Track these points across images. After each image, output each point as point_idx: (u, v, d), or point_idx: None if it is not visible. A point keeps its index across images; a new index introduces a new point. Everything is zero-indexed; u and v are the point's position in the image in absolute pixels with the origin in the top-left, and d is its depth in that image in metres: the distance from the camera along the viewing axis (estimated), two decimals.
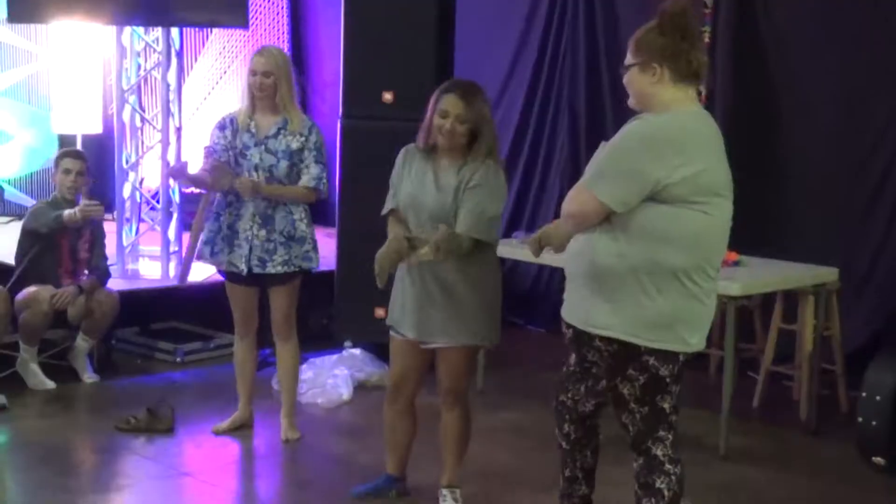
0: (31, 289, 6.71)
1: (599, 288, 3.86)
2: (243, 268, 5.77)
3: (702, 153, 3.82)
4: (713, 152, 3.88)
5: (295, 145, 5.71)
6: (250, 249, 5.76)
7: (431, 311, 4.80)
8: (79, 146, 9.22)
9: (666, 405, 3.98)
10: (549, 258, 4.70)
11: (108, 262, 7.28)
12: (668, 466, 4.02)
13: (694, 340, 3.93)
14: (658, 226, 3.77)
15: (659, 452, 4.01)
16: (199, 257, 5.95)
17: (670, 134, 3.80)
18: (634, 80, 3.92)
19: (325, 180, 5.76)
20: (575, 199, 3.86)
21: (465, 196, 4.69)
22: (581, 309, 3.94)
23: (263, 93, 5.69)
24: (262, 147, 5.71)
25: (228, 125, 5.80)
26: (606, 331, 3.86)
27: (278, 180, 5.72)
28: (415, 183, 4.82)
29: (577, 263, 3.95)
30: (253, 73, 5.70)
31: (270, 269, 5.77)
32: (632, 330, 3.84)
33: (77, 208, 6.72)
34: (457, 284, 4.75)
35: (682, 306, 3.85)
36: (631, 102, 3.99)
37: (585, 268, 3.89)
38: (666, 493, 4.02)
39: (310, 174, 5.72)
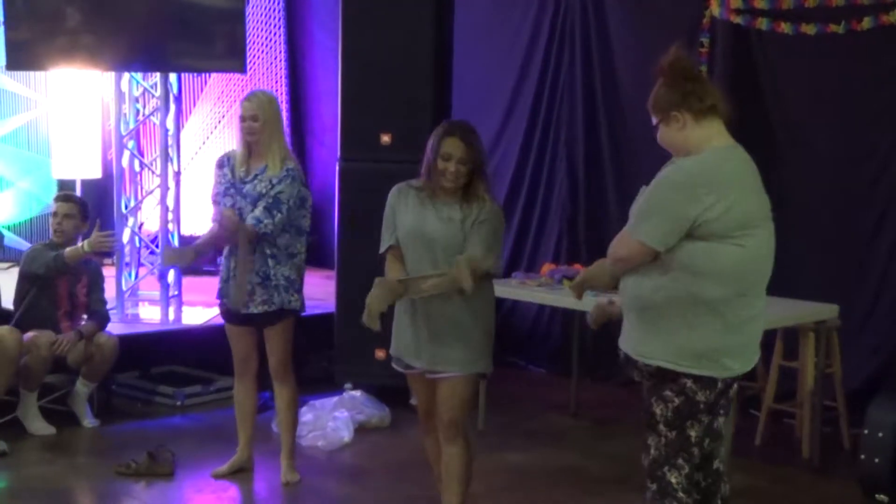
0: (31, 334, 6.71)
1: (643, 319, 4.03)
2: (230, 307, 5.82)
3: (732, 189, 3.98)
4: (744, 185, 4.06)
5: (261, 189, 5.71)
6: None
7: (439, 341, 4.86)
8: (78, 191, 9.25)
9: (693, 433, 4.03)
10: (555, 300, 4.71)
11: (108, 306, 7.27)
12: (681, 495, 4.05)
13: (736, 366, 4.06)
14: (695, 261, 3.93)
15: (673, 480, 4.05)
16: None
17: (700, 176, 3.97)
18: (665, 135, 4.11)
19: (265, 224, 5.64)
20: (623, 245, 4.04)
21: (473, 230, 4.80)
22: (630, 338, 4.11)
23: (253, 136, 5.72)
24: (240, 191, 5.74)
25: (226, 163, 5.85)
26: (649, 359, 4.02)
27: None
28: (417, 217, 4.87)
29: (625, 297, 4.12)
30: (242, 118, 5.75)
31: (253, 310, 5.78)
32: (672, 358, 3.98)
33: (87, 241, 6.71)
34: (462, 314, 4.82)
35: (720, 338, 3.99)
36: (674, 156, 4.14)
37: (630, 301, 4.07)
38: None
39: (253, 213, 5.67)
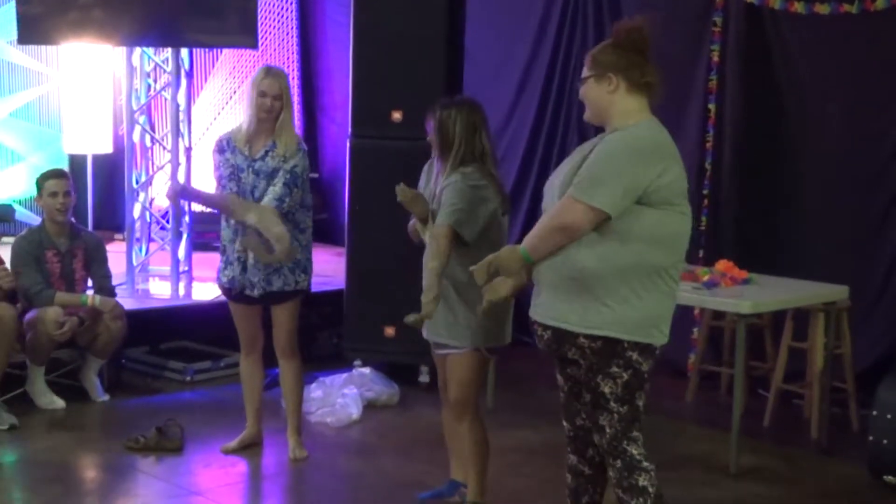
0: (37, 311, 6.69)
1: (587, 290, 3.99)
2: (235, 287, 5.82)
3: (674, 159, 4.06)
4: (678, 158, 4.10)
5: (274, 165, 5.71)
6: (244, 270, 5.78)
7: (441, 315, 4.93)
8: (89, 166, 9.26)
9: (641, 402, 4.11)
10: None
11: (117, 282, 7.26)
12: (645, 464, 4.10)
13: (667, 332, 4.14)
14: (646, 228, 3.97)
15: (635, 451, 4.09)
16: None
17: (651, 143, 4.03)
18: (592, 92, 4.14)
19: (287, 202, 5.66)
20: (569, 211, 3.98)
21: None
22: (569, 311, 4.04)
23: (271, 115, 5.70)
24: (251, 169, 5.73)
25: (226, 147, 5.81)
26: (601, 330, 4.00)
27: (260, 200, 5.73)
28: (427, 192, 5.07)
29: (555, 270, 4.06)
30: (263, 94, 5.69)
31: (256, 291, 5.79)
32: (623, 328, 4.00)
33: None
34: (451, 287, 4.91)
35: (663, 303, 4.08)
36: (587, 115, 4.21)
37: (568, 272, 4.01)
38: (650, 489, 4.08)
39: (273, 192, 5.67)
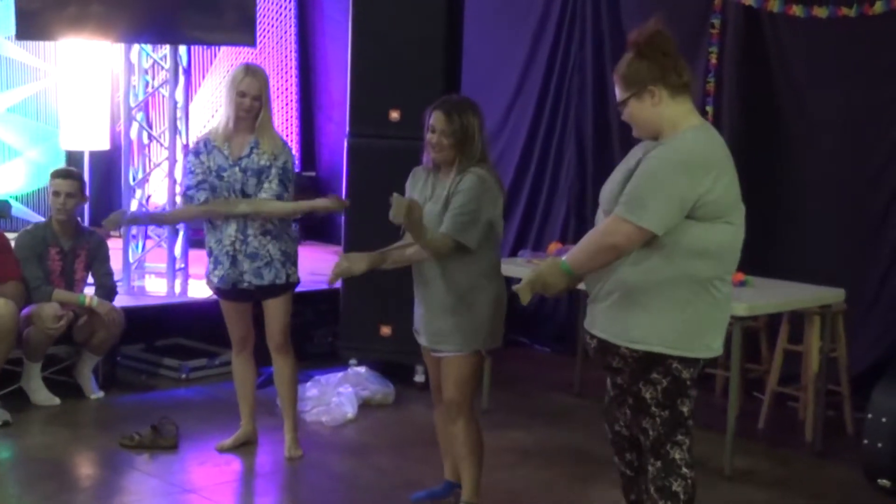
0: (35, 306, 6.71)
1: (630, 303, 3.97)
2: (227, 283, 5.84)
3: (724, 168, 3.95)
4: (731, 164, 4.01)
5: (263, 162, 5.71)
6: (233, 263, 5.79)
7: (435, 318, 4.94)
8: (86, 162, 9.24)
9: (685, 409, 4.09)
10: None
11: (115, 279, 7.27)
12: (684, 470, 4.11)
13: (716, 345, 4.08)
14: (693, 242, 3.90)
15: (677, 456, 4.10)
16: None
17: (698, 156, 3.91)
18: (637, 111, 4.03)
19: (286, 196, 5.72)
20: (618, 233, 3.90)
21: (451, 202, 4.86)
22: (615, 323, 4.02)
23: (250, 114, 5.71)
24: (237, 167, 5.73)
25: (203, 149, 5.81)
26: (643, 344, 3.97)
27: (249, 197, 5.74)
28: (420, 198, 4.95)
29: (600, 281, 4.04)
30: (242, 94, 5.69)
31: (246, 283, 5.81)
32: (665, 342, 3.96)
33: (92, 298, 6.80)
34: (452, 290, 4.89)
35: (710, 315, 4.01)
36: (637, 134, 4.08)
37: (612, 285, 3.98)
38: (682, 496, 4.10)
39: (270, 189, 5.70)
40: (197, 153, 5.82)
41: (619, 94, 4.06)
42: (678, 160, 3.89)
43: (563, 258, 4.03)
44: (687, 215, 3.87)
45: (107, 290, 7.01)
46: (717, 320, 4.05)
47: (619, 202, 3.92)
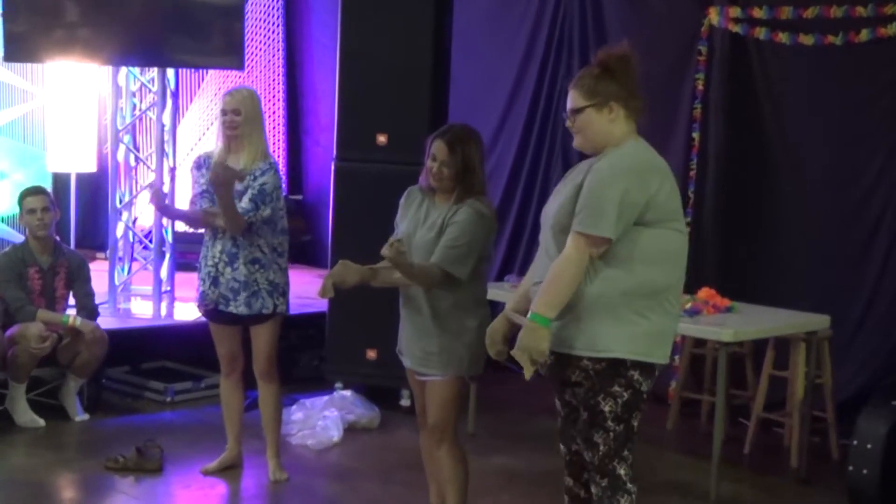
0: (20, 326, 6.69)
1: (591, 315, 4.01)
2: (206, 302, 5.85)
3: (666, 176, 4.07)
4: (670, 174, 4.11)
5: (244, 184, 5.71)
6: (214, 284, 5.80)
7: (420, 341, 4.93)
8: (73, 184, 9.25)
9: (636, 423, 4.14)
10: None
11: (100, 301, 7.25)
12: (629, 486, 4.14)
13: (668, 352, 4.18)
14: (646, 249, 4.00)
15: (622, 472, 4.13)
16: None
17: (643, 162, 4.06)
18: (592, 121, 4.11)
19: (252, 215, 5.66)
20: (578, 250, 3.96)
21: (446, 231, 4.84)
22: (575, 336, 4.04)
23: (235, 130, 5.73)
24: None
25: (203, 164, 5.86)
26: (607, 352, 4.01)
27: None
28: (412, 222, 4.96)
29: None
30: (223, 111, 5.75)
31: (234, 311, 5.80)
32: (627, 347, 4.02)
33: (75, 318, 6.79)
34: (439, 316, 4.87)
35: (666, 323, 4.11)
36: (579, 144, 4.17)
37: (573, 299, 4.00)
38: None
39: (240, 207, 5.67)
40: (198, 167, 5.88)
41: (575, 101, 4.13)
42: (624, 166, 4.01)
43: (534, 312, 4.00)
44: (637, 221, 3.97)
45: (88, 311, 7.01)
46: (671, 331, 4.17)
47: (574, 220, 3.98)
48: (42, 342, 6.64)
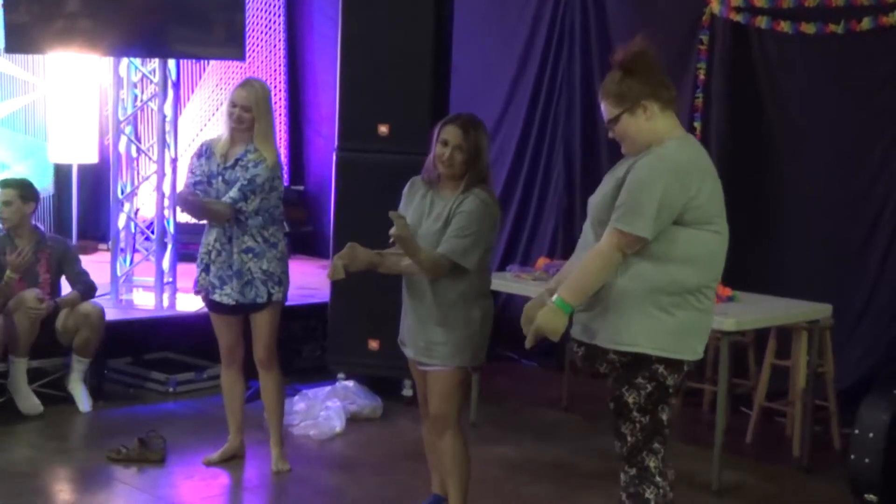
0: (17, 294, 6.76)
1: (618, 308, 4.02)
2: (200, 289, 5.88)
3: (708, 177, 4.05)
4: (714, 174, 4.09)
5: (240, 174, 5.71)
6: (205, 271, 5.84)
7: (424, 331, 4.92)
8: (74, 175, 9.24)
9: (664, 416, 4.14)
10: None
11: (102, 293, 7.25)
12: (658, 479, 4.14)
13: (700, 349, 4.16)
14: (681, 248, 3.99)
15: (651, 464, 4.13)
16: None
17: (685, 162, 4.01)
18: (629, 126, 4.09)
19: (240, 204, 5.66)
20: (614, 246, 3.97)
21: (452, 220, 4.83)
22: (601, 328, 4.06)
23: (241, 125, 5.73)
24: (221, 178, 5.75)
25: (204, 152, 5.86)
26: (631, 346, 4.02)
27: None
28: (416, 212, 4.95)
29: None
30: (233, 104, 5.74)
31: (217, 297, 5.82)
32: (653, 343, 4.02)
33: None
34: (444, 305, 4.87)
35: (696, 321, 4.09)
36: (626, 149, 4.14)
37: (601, 292, 4.02)
38: (653, 503, 4.11)
39: (229, 195, 5.68)
40: (199, 155, 5.87)
41: (609, 111, 4.12)
42: (665, 166, 3.97)
43: (559, 297, 4.02)
44: (675, 221, 3.95)
45: (85, 286, 7.08)
46: (702, 327, 4.14)
47: (612, 215, 3.97)
48: (39, 303, 6.70)
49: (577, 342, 4.19)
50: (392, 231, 4.62)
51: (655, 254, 3.97)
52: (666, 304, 4.00)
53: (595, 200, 4.16)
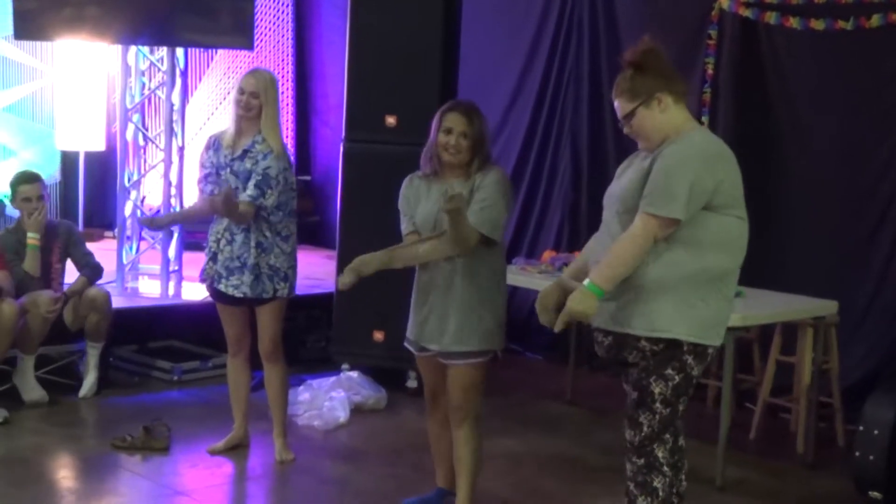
0: (28, 295, 6.75)
1: (653, 297, 4.06)
2: (206, 278, 5.88)
3: (732, 164, 4.15)
4: (735, 162, 4.18)
5: (248, 167, 5.71)
6: (212, 259, 5.83)
7: (447, 323, 4.89)
8: (81, 163, 9.25)
9: (681, 408, 4.21)
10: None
11: (107, 280, 7.26)
12: (666, 469, 4.19)
13: (723, 335, 4.23)
14: (711, 233, 4.06)
15: (660, 454, 4.19)
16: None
17: (711, 149, 4.13)
18: (645, 120, 4.14)
19: (260, 201, 5.65)
20: (647, 230, 4.01)
21: (475, 196, 4.81)
22: (634, 316, 4.10)
23: (249, 112, 5.71)
24: (229, 169, 5.75)
25: (213, 145, 5.86)
26: (667, 333, 4.07)
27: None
28: (431, 202, 4.89)
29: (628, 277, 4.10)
30: (241, 91, 5.72)
31: (233, 292, 5.80)
32: (688, 330, 4.08)
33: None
34: (468, 291, 4.85)
35: (724, 308, 4.19)
36: (643, 145, 4.20)
37: (634, 281, 4.06)
38: (661, 493, 4.18)
39: (247, 193, 5.66)
40: (207, 148, 5.88)
41: (623, 108, 4.16)
42: (694, 153, 4.05)
43: (590, 281, 4.04)
44: (704, 206, 4.02)
45: (92, 268, 7.09)
46: (725, 316, 4.21)
47: (642, 202, 4.01)
48: (53, 304, 6.71)
49: (602, 331, 4.21)
50: (444, 205, 4.53)
51: (684, 240, 4.03)
52: (703, 292, 4.07)
53: (617, 191, 4.19)
